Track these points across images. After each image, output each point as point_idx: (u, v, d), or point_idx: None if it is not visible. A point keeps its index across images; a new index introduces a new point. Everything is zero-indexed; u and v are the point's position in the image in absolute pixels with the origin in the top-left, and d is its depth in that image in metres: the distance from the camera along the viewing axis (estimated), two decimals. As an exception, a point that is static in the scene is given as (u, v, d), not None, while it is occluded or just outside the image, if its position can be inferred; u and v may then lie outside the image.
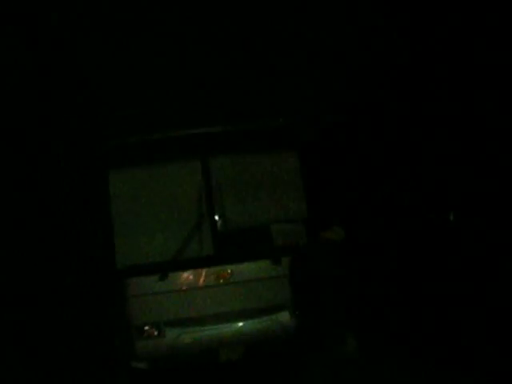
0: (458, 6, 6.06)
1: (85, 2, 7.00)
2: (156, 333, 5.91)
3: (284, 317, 6.10)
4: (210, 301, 5.99)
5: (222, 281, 6.01)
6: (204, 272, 6.01)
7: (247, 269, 6.10)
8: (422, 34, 6.60)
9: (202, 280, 6.02)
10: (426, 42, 6.59)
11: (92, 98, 7.32)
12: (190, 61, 7.25)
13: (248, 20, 7.20)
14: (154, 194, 6.19)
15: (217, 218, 6.17)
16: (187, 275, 6.02)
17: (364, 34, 7.06)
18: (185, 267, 6.03)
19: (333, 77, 7.48)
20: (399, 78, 7.15)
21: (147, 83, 7.01)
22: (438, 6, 6.28)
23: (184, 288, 6.01)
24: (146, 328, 5.91)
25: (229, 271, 6.02)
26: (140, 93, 6.82)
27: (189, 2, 7.11)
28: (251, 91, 6.92)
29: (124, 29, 7.09)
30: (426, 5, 6.48)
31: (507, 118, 5.63)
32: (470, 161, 6.15)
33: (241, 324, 6.04)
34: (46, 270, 6.51)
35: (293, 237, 6.25)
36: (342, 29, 7.14)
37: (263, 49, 7.32)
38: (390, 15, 6.87)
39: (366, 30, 7.03)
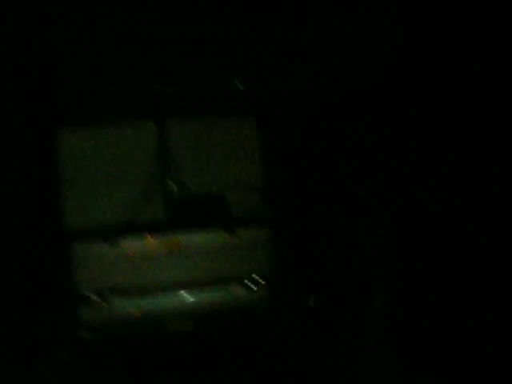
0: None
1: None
2: (101, 301, 5.67)
3: (237, 289, 5.95)
4: (159, 270, 5.76)
5: (173, 249, 5.77)
6: (155, 239, 5.75)
7: (200, 238, 5.86)
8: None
9: (152, 248, 5.75)
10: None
11: (41, 53, 6.80)
12: (147, 15, 6.78)
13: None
14: (105, 155, 5.86)
15: (170, 183, 5.88)
16: (137, 242, 5.74)
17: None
18: (135, 233, 5.74)
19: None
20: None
21: (100, 36, 6.55)
22: None
23: (133, 255, 5.73)
24: (91, 296, 5.66)
25: (181, 239, 5.77)
26: (94, 47, 6.38)
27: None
28: (212, 51, 6.54)
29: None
30: None
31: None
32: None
33: (192, 295, 5.84)
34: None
35: (248, 206, 6.03)
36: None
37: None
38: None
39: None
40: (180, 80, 6.13)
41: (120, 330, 5.74)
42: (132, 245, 5.74)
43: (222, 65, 6.40)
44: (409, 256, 5.90)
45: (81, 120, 5.81)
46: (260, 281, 6.00)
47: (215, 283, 5.88)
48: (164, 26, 6.59)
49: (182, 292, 5.83)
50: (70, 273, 5.66)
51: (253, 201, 6.06)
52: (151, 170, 5.84)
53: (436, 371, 5.38)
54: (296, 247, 7.01)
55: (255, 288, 5.98)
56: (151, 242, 5.75)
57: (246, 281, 5.94)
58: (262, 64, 6.71)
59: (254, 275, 5.98)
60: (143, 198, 5.78)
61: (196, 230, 5.86)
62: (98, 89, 5.95)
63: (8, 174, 6.60)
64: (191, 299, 5.84)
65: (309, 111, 7.35)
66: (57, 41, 6.59)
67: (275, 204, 6.22)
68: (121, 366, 5.81)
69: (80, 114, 5.85)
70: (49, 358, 5.98)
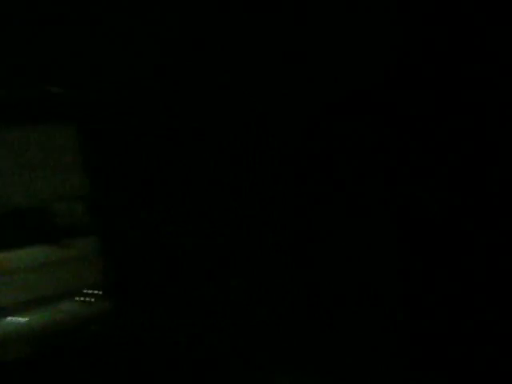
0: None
1: None
2: None
3: (71, 305, 5.67)
4: None
5: None
6: None
7: (27, 254, 5.49)
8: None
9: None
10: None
11: None
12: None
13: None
14: None
15: None
16: None
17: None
18: None
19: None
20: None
21: None
22: None
23: None
24: None
25: (6, 258, 5.36)
26: None
27: None
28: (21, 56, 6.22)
29: None
30: None
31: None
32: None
33: (23, 318, 5.42)
34: None
35: (74, 218, 5.80)
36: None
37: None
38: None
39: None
40: None
41: None
42: None
43: (33, 69, 6.06)
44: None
45: None
46: (95, 293, 5.74)
47: (47, 302, 5.54)
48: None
49: (13, 315, 5.40)
50: None
51: (78, 211, 5.80)
52: None
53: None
54: (133, 255, 6.63)
55: (90, 301, 5.72)
56: None
57: (79, 295, 5.68)
58: (78, 67, 6.36)
59: (87, 289, 5.70)
60: None
61: (19, 246, 5.46)
62: None
63: None
64: (23, 322, 5.42)
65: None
66: None
67: (102, 213, 5.93)
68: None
69: None
70: None
